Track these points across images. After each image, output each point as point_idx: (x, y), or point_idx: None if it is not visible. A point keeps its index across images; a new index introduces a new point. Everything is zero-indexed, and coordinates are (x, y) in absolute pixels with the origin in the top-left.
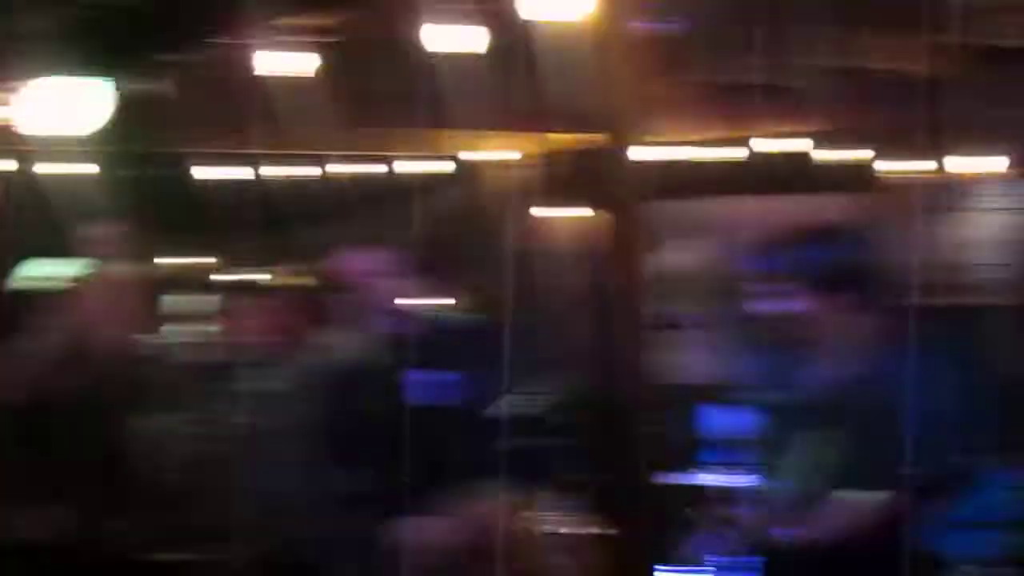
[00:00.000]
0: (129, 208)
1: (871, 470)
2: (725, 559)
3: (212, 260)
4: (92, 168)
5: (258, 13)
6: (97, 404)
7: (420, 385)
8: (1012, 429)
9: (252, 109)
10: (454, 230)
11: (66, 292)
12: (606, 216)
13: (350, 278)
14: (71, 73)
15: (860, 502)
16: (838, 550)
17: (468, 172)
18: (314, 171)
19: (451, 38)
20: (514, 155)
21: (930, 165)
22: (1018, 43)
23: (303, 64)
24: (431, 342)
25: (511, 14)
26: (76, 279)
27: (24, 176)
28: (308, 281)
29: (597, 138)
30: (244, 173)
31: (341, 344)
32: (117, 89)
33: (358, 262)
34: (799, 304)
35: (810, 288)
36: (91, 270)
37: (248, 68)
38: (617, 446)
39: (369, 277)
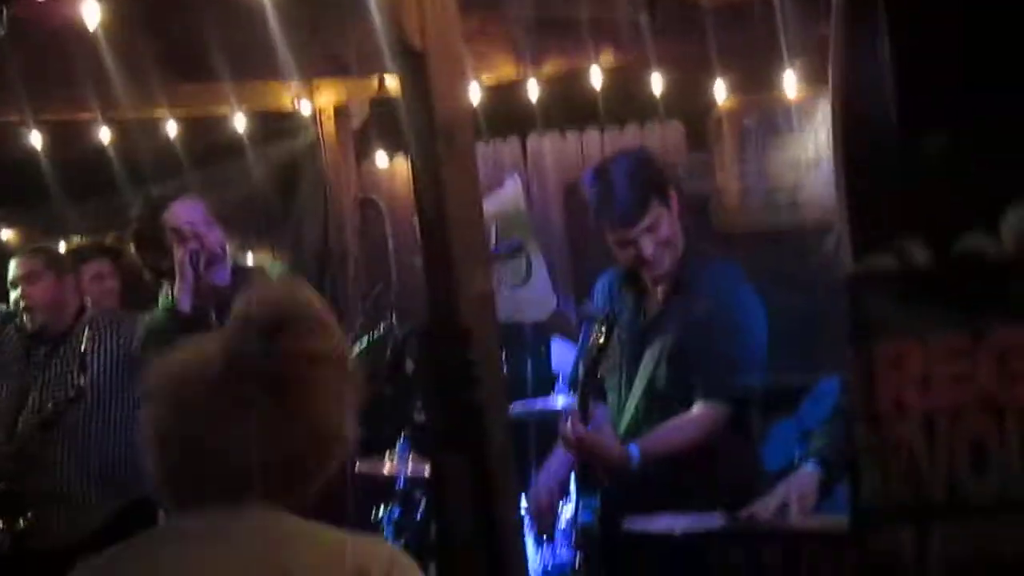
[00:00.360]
0: None
1: (707, 385)
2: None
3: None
4: None
5: None
6: None
7: None
8: (838, 343)
9: (64, 69)
10: (284, 183)
11: None
12: (430, 157)
13: (180, 227)
14: None
15: (700, 416)
16: (682, 463)
17: (297, 123)
18: (139, 132)
19: None
20: (343, 103)
21: (758, 89)
22: None
23: (113, 17)
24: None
25: None
26: None
27: None
28: (136, 239)
29: (419, 80)
30: (62, 139)
31: (174, 297)
32: None
33: (184, 212)
34: (619, 232)
35: (620, 216)
36: None
37: (57, 24)
38: (459, 383)
39: (196, 226)
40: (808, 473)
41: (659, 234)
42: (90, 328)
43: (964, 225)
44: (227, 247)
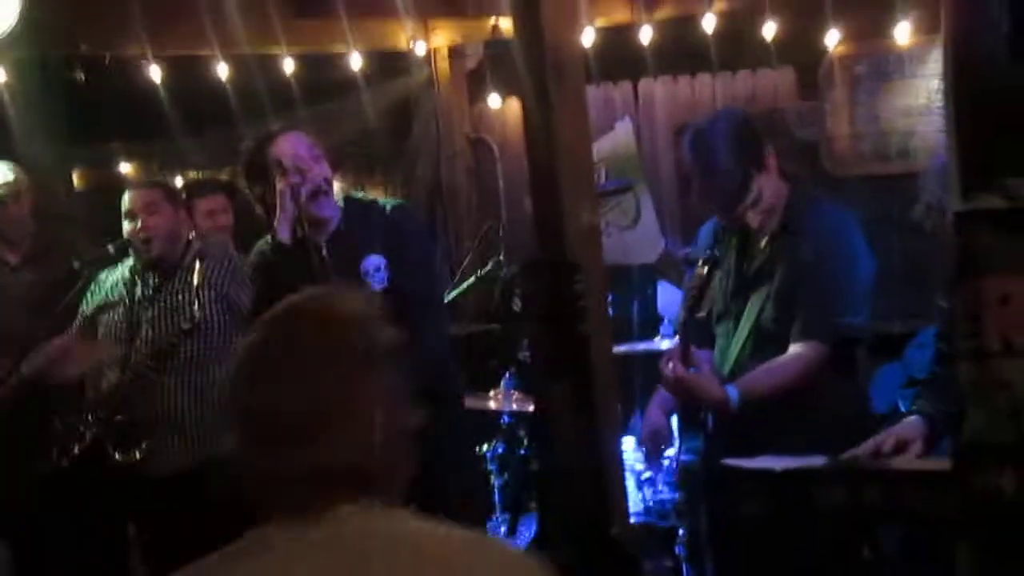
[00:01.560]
0: (56, 116)
1: (806, 324)
2: (680, 427)
3: (154, 164)
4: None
5: None
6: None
7: (365, 269)
8: (940, 289)
9: (187, 5)
10: (398, 121)
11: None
12: (542, 96)
13: (283, 159)
14: None
15: (797, 356)
16: (784, 404)
17: (412, 63)
18: (256, 68)
19: None
20: (457, 43)
21: (870, 36)
22: None
23: None
24: (365, 226)
25: None
26: (6, 185)
27: None
28: (245, 171)
29: (532, 19)
30: (181, 74)
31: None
32: None
33: (289, 145)
34: (721, 178)
35: (723, 202)
36: (15, 177)
37: None
38: (566, 312)
39: (299, 160)
40: (912, 422)
41: (763, 204)
42: (201, 261)
43: None
44: (332, 181)
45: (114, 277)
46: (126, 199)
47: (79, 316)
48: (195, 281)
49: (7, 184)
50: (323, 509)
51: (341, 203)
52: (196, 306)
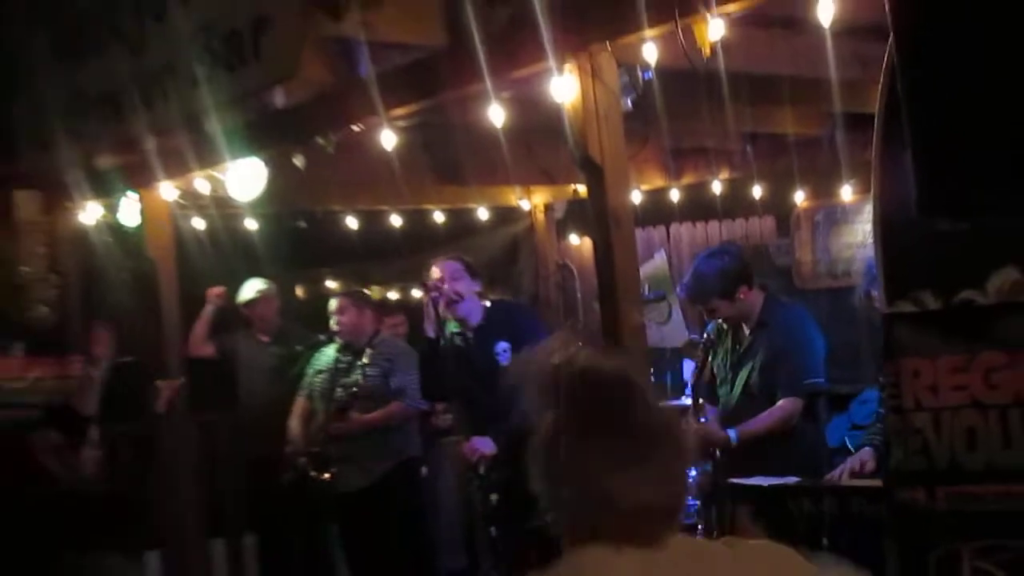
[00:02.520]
0: (287, 250)
1: (788, 384)
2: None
3: (350, 281)
4: (253, 223)
5: (368, 107)
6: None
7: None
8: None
9: (370, 176)
10: (509, 252)
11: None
12: (605, 237)
13: (427, 281)
14: (240, 157)
15: (783, 405)
16: (767, 441)
17: (519, 214)
18: (417, 217)
19: (498, 116)
20: (550, 201)
21: (825, 195)
22: (872, 110)
23: (402, 141)
24: (496, 321)
25: (539, 99)
26: (260, 292)
27: (215, 229)
28: (414, 289)
29: (598, 185)
30: (367, 222)
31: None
32: (270, 166)
33: (435, 270)
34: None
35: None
36: (267, 287)
37: (365, 146)
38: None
39: (439, 280)
40: (867, 451)
41: (737, 305)
42: (372, 349)
43: (962, 282)
44: (461, 293)
45: (326, 355)
46: (330, 303)
47: (304, 380)
48: (366, 362)
49: (261, 291)
50: (656, 536)
51: (488, 305)
52: (362, 379)
